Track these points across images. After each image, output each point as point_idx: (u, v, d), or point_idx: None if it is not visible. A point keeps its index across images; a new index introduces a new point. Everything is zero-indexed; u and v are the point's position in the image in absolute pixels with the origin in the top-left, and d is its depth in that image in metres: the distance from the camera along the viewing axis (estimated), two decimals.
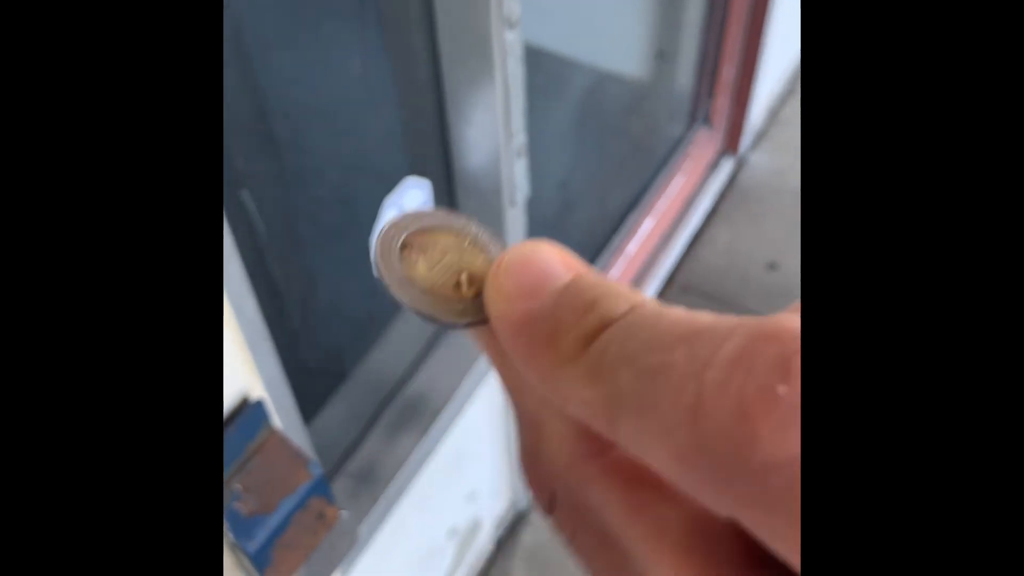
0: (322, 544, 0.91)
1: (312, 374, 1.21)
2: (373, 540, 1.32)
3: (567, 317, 0.18)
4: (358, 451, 1.31)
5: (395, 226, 0.21)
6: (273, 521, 0.80)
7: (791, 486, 0.13)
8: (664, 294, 2.34)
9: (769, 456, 0.13)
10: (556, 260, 0.19)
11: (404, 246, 0.21)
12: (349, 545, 0.95)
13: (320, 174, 1.10)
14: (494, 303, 0.19)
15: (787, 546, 0.14)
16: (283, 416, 0.95)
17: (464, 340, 1.47)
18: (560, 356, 0.17)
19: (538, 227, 1.75)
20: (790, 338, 0.14)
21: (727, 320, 0.16)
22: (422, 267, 0.21)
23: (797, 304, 0.16)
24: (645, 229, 2.26)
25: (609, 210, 2.15)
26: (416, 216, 0.22)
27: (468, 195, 1.28)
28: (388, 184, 1.14)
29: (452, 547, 1.71)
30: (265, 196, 0.99)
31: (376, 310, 1.33)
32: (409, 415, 1.36)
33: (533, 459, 0.20)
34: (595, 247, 2.13)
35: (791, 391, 0.14)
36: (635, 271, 2.24)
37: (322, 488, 0.84)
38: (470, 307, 0.21)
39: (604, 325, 0.17)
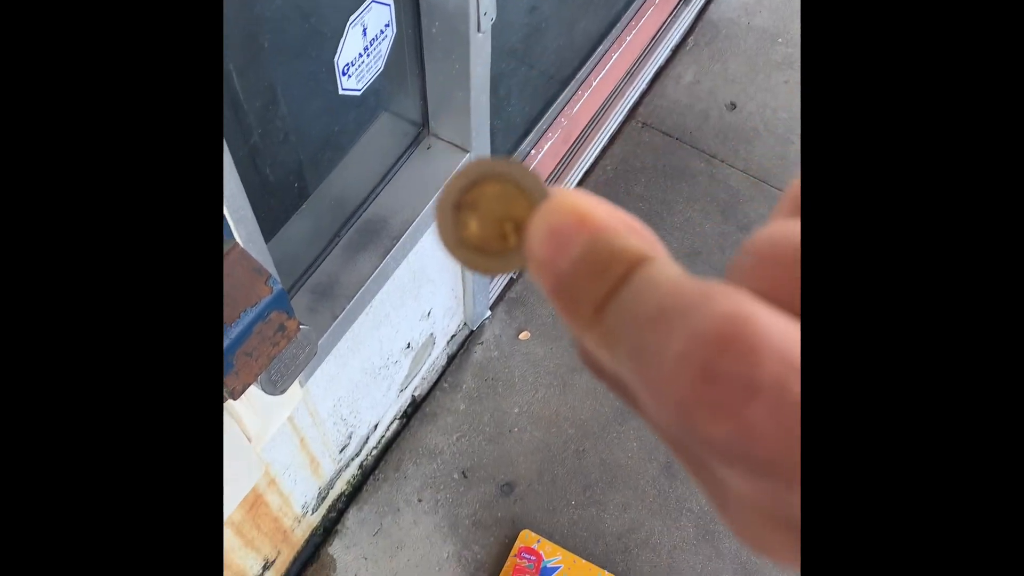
0: (282, 354, 0.96)
1: (273, 191, 1.22)
2: (332, 352, 1.39)
3: (583, 285, 0.20)
4: (318, 268, 1.35)
5: (447, 190, 0.22)
6: (234, 331, 0.85)
7: (727, 453, 0.17)
8: (624, 129, 2.34)
9: (706, 438, 0.17)
10: (578, 218, 0.20)
11: (458, 207, 0.22)
12: (308, 357, 1.01)
13: None
14: (529, 265, 0.21)
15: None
16: (243, 231, 0.98)
17: (423, 167, 1.49)
18: (581, 322, 0.20)
19: (505, 53, 1.72)
20: (722, 338, 0.17)
21: (694, 298, 0.18)
22: (473, 225, 0.22)
23: (747, 264, 0.19)
24: (612, 61, 2.24)
25: (578, 39, 2.12)
26: (463, 173, 0.22)
27: (433, 18, 1.26)
28: (352, 1, 1.11)
29: (407, 360, 1.80)
30: (225, 2, 0.96)
31: (339, 130, 1.33)
32: (369, 236, 1.40)
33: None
34: (561, 77, 2.11)
35: (720, 391, 0.17)
36: (599, 104, 2.24)
37: (282, 302, 0.88)
38: (517, 256, 0.22)
39: (611, 293, 0.19)
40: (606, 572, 1.75)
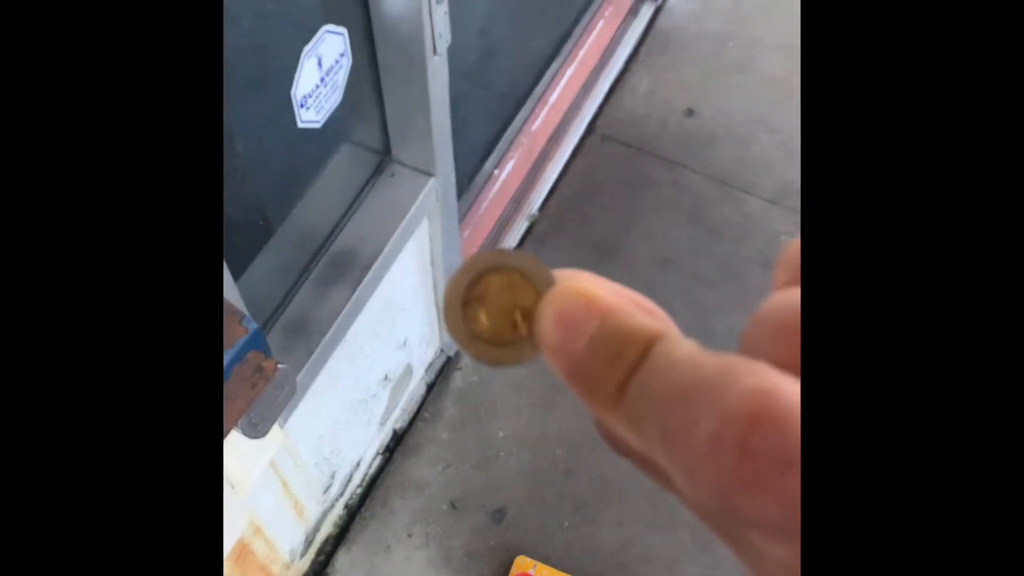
0: (261, 396, 0.93)
1: (238, 229, 1.20)
2: (309, 390, 1.35)
3: (599, 369, 0.20)
4: (289, 305, 1.32)
5: (453, 286, 0.23)
6: None
7: (771, 537, 0.18)
8: (584, 143, 2.35)
9: (748, 516, 0.17)
10: (585, 302, 0.20)
11: (466, 302, 0.23)
12: (289, 396, 0.97)
13: (232, 21, 1.05)
14: (543, 352, 0.21)
15: None
16: None
17: (388, 194, 1.47)
18: (601, 405, 0.20)
19: (460, 77, 1.71)
20: (753, 418, 0.17)
21: (715, 375, 0.18)
22: (483, 319, 0.23)
23: (778, 347, 0.19)
24: (567, 77, 2.24)
25: (531, 58, 2.12)
26: (467, 267, 0.23)
27: (388, 44, 1.24)
28: (304, 33, 1.09)
29: (386, 392, 1.77)
30: None
31: (298, 163, 1.31)
32: (338, 269, 1.37)
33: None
34: (517, 96, 2.11)
35: (757, 468, 0.17)
36: (557, 120, 2.24)
37: (258, 342, 0.86)
38: (530, 344, 0.22)
39: (629, 374, 0.19)
40: None
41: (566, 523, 1.82)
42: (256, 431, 0.95)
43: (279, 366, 0.91)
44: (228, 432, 0.88)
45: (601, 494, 1.84)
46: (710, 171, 2.30)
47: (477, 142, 1.95)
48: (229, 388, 0.84)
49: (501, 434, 1.92)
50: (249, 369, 0.86)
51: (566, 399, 1.96)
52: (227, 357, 0.83)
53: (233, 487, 1.01)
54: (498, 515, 1.82)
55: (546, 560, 1.76)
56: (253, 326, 0.85)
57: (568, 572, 1.74)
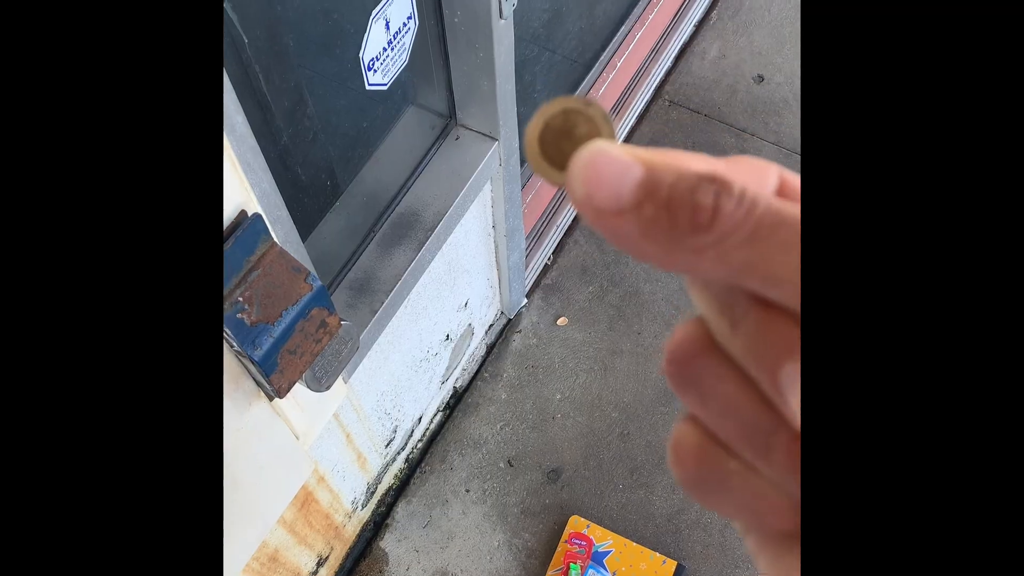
0: (325, 351, 0.97)
1: (306, 190, 1.23)
2: (372, 347, 1.40)
3: (682, 198, 0.20)
4: (355, 264, 1.36)
5: (540, 114, 0.24)
6: (277, 330, 0.85)
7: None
8: (651, 108, 2.32)
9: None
10: (627, 156, 0.21)
11: (546, 128, 0.24)
12: (352, 352, 1.01)
13: None
14: (579, 194, 0.21)
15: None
16: (280, 231, 0.99)
17: (452, 158, 1.49)
18: (684, 232, 0.20)
19: (527, 39, 1.71)
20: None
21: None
22: (548, 138, 0.24)
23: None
24: (635, 40, 2.21)
25: (599, 20, 2.10)
26: (554, 104, 0.24)
27: (454, 7, 1.25)
28: None
29: (447, 352, 1.80)
30: (246, 4, 0.97)
31: (366, 126, 1.34)
32: (402, 230, 1.40)
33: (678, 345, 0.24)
34: (584, 60, 2.10)
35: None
36: (624, 84, 2.22)
37: (322, 299, 0.89)
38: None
39: (718, 203, 0.20)
40: (657, 554, 1.74)
41: (620, 485, 1.84)
42: (320, 384, 0.99)
43: (342, 322, 0.95)
44: (293, 385, 0.92)
45: (656, 459, 1.86)
46: (779, 140, 2.26)
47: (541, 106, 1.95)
48: (293, 343, 0.88)
49: (558, 396, 1.95)
50: (313, 325, 0.89)
51: (622, 363, 1.97)
52: (291, 313, 0.87)
53: (297, 437, 1.06)
54: (554, 475, 1.86)
55: (599, 521, 1.79)
56: (317, 283, 0.88)
57: (621, 534, 1.76)
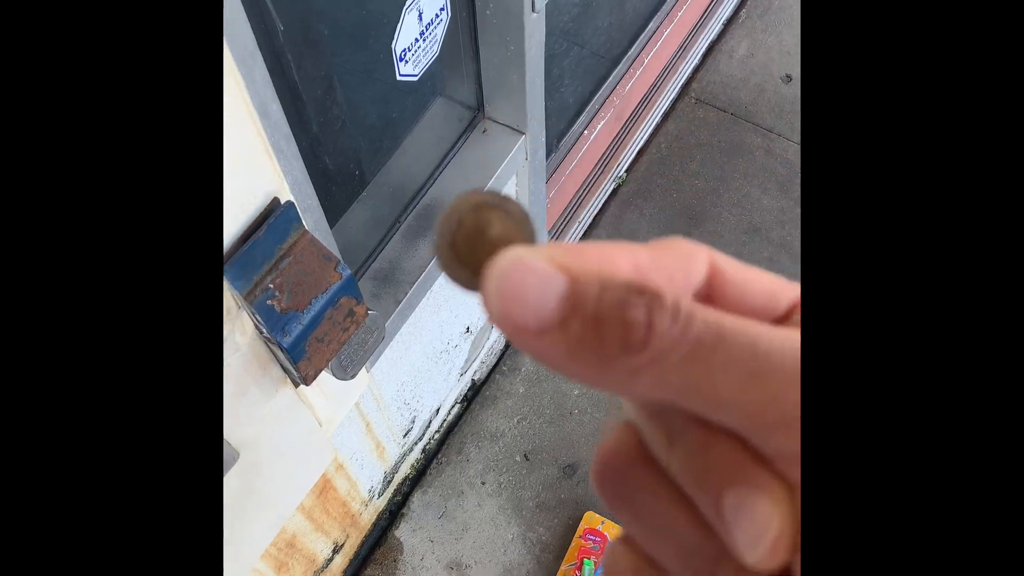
0: (352, 339, 0.97)
1: (334, 179, 1.24)
2: (395, 338, 1.40)
3: (611, 313, 0.18)
4: (379, 255, 1.36)
5: (453, 209, 0.22)
6: (306, 317, 0.86)
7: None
8: (677, 106, 2.31)
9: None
10: (547, 266, 0.19)
11: (458, 226, 0.21)
12: (377, 341, 1.02)
13: None
14: (495, 310, 0.19)
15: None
16: (310, 219, 0.99)
17: (479, 150, 1.49)
18: (614, 352, 0.18)
19: (555, 34, 1.71)
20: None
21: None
22: (467, 243, 0.21)
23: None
24: (663, 37, 2.20)
25: (628, 16, 2.09)
26: (466, 199, 0.22)
27: (487, 1, 1.25)
28: None
29: (467, 344, 1.81)
30: None
31: (394, 117, 1.34)
32: (428, 222, 1.40)
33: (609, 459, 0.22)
34: (612, 55, 2.09)
35: None
36: (651, 81, 2.21)
37: (351, 288, 0.89)
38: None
39: (651, 320, 0.18)
40: None
41: None
42: (345, 373, 1.00)
43: (369, 312, 0.95)
44: (320, 372, 0.92)
45: None
46: None
47: (568, 101, 1.95)
48: (322, 331, 0.88)
49: (576, 392, 1.95)
50: (341, 314, 0.90)
51: None
52: (321, 301, 0.87)
53: (320, 424, 1.06)
54: (570, 470, 1.86)
55: (614, 518, 1.78)
56: (347, 272, 0.88)
57: None
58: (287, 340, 0.84)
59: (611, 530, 1.76)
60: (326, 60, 1.10)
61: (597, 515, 1.78)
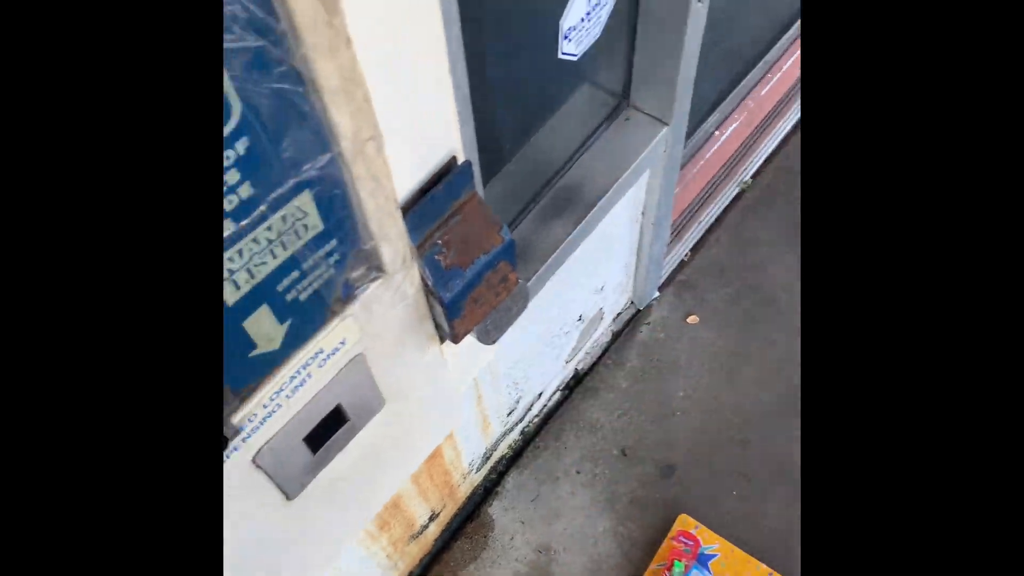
0: (499, 306, 0.98)
1: (482, 150, 1.25)
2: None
3: None
4: (514, 231, 1.37)
5: None
6: (468, 276, 0.87)
7: None
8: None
9: None
10: None
11: None
12: (520, 310, 1.02)
13: None
14: None
15: None
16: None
17: (620, 138, 1.48)
18: None
19: (715, 20, 1.69)
20: None
21: None
22: None
23: None
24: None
25: (773, 17, 2.05)
26: None
27: None
28: None
29: (577, 332, 1.81)
30: None
31: (545, 95, 1.34)
32: (564, 203, 1.41)
33: None
34: (752, 56, 2.06)
35: None
36: (787, 88, 2.17)
37: (510, 253, 0.90)
38: None
39: None
40: (764, 566, 1.71)
41: (734, 492, 1.81)
42: (488, 337, 1.01)
43: (519, 281, 0.96)
44: (469, 332, 0.93)
45: (774, 471, 1.82)
46: None
47: (707, 97, 1.93)
48: (479, 292, 0.90)
49: (680, 393, 1.93)
50: (497, 277, 0.91)
51: (750, 370, 1.94)
52: (482, 262, 0.88)
53: (455, 389, 1.08)
54: (667, 470, 1.84)
55: (709, 524, 1.76)
56: (508, 237, 0.89)
57: (729, 540, 1.74)
58: (448, 295, 0.86)
59: (704, 535, 1.74)
60: (495, 28, 1.11)
61: (691, 519, 1.76)
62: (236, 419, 0.70)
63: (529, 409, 1.84)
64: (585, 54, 1.29)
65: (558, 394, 1.93)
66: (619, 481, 1.84)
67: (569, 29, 1.15)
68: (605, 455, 1.87)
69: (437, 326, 0.95)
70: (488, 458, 1.77)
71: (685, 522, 1.76)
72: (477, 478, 1.78)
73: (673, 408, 1.91)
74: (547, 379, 1.83)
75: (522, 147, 1.36)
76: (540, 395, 1.85)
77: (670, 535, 1.75)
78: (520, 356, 1.61)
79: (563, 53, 1.18)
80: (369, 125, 0.65)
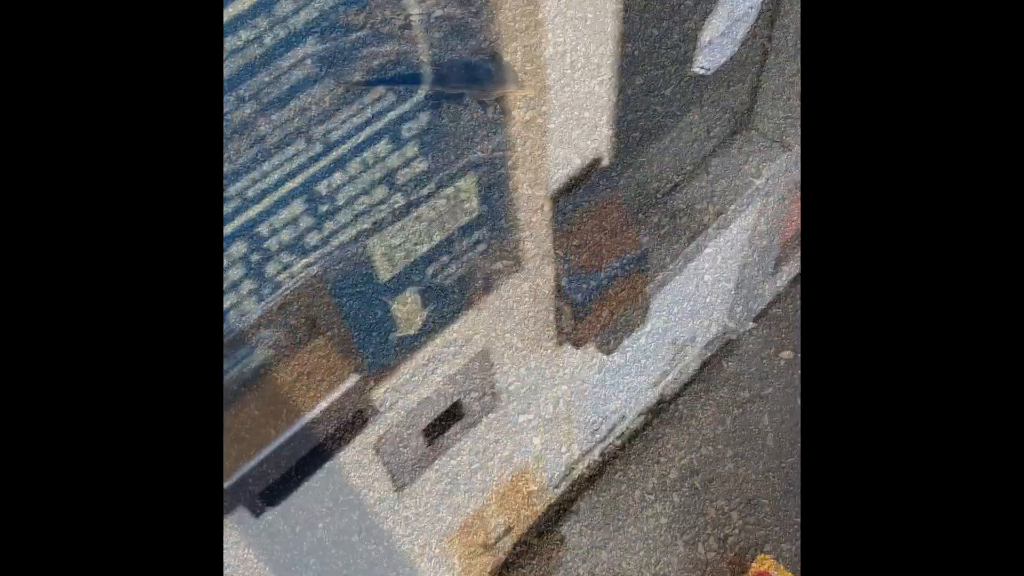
0: (620, 316, 0.96)
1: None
2: None
3: None
4: None
5: None
6: (600, 278, 0.85)
7: None
8: None
9: None
10: None
11: None
12: (638, 321, 1.00)
13: None
14: None
15: None
16: None
17: (736, 161, 1.45)
18: None
19: None
20: None
21: None
22: None
23: None
24: None
25: None
26: None
27: (791, 13, 1.22)
28: None
29: (668, 356, 1.77)
30: None
31: (663, 108, 1.32)
32: (674, 222, 1.38)
33: None
34: None
35: None
36: None
37: (644, 261, 0.88)
38: None
39: None
40: None
41: None
42: (607, 347, 0.98)
43: (647, 289, 0.94)
44: (590, 336, 0.91)
45: None
46: None
47: None
48: (608, 296, 0.88)
49: (768, 429, 1.87)
50: (628, 284, 0.89)
51: None
52: (615, 266, 0.86)
53: (561, 398, 1.06)
54: (748, 507, 1.78)
55: (787, 563, 1.70)
56: (644, 245, 0.87)
57: None
58: (578, 296, 0.84)
59: (783, 575, 1.68)
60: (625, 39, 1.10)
61: (770, 558, 1.70)
62: (374, 399, 0.69)
63: (612, 430, 1.80)
64: (713, 71, 1.26)
65: (641, 418, 1.89)
66: (696, 513, 1.79)
67: (707, 43, 1.13)
68: (684, 485, 1.82)
69: (559, 330, 0.93)
70: (566, 475, 1.74)
71: (765, 562, 1.70)
72: (554, 496, 1.75)
73: (758, 444, 1.86)
74: (632, 401, 1.79)
75: (634, 161, 1.34)
76: (624, 417, 1.81)
77: (747, 572, 1.69)
78: (609, 374, 1.58)
79: (697, 66, 1.16)
80: (538, 112, 0.64)
